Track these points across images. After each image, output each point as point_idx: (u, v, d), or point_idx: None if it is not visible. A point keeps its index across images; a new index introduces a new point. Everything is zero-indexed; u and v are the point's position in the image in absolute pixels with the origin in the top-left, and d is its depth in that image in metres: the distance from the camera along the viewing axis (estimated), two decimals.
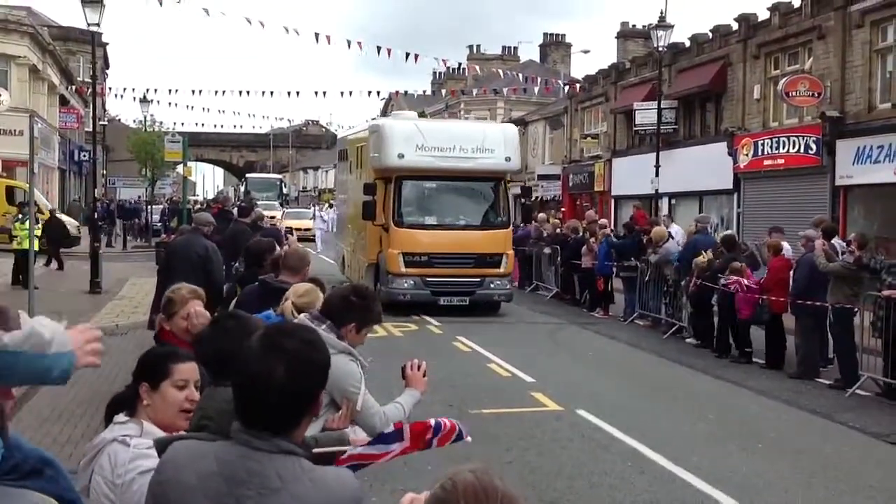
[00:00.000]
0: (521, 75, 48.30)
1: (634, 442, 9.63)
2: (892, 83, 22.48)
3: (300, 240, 35.21)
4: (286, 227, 32.36)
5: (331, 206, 47.05)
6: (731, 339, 15.38)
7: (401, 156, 19.28)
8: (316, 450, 2.67)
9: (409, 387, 4.65)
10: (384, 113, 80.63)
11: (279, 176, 77.06)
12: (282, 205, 59.89)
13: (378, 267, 20.07)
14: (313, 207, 60.57)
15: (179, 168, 36.81)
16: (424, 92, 58.04)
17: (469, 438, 3.96)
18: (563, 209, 38.10)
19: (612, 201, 36.71)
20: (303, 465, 2.51)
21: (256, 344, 2.60)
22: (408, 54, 34.42)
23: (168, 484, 2.57)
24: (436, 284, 19.47)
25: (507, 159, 20.08)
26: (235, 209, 20.75)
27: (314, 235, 41.93)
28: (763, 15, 27.73)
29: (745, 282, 14.60)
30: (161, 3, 26.28)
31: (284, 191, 69.77)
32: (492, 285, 19.92)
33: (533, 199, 46.68)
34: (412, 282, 19.40)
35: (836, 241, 14.86)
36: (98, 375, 11.78)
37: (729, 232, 20.49)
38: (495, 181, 20.50)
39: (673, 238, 18.80)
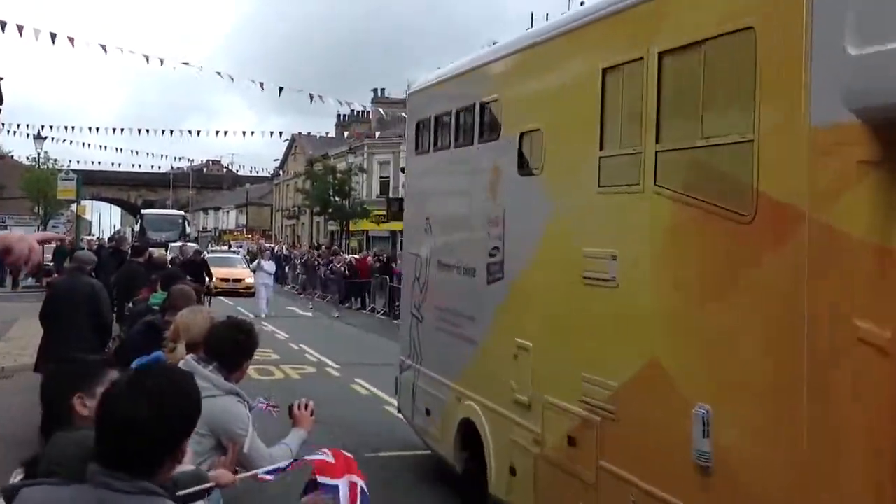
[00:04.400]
0: None
1: None
2: None
3: (227, 295, 30.67)
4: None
5: (268, 250, 40.71)
6: None
7: None
8: (180, 493, 2.63)
9: (296, 426, 4.63)
10: (287, 155, 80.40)
11: (181, 212, 67.20)
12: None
13: None
14: (244, 249, 53.49)
15: (73, 206, 35.90)
16: (328, 133, 58.02)
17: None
18: None
19: None
20: None
21: (123, 384, 2.55)
22: (311, 96, 34.53)
23: None
24: None
25: None
26: (129, 248, 20.27)
27: (254, 291, 31.65)
28: None
29: None
30: (53, 42, 25.75)
31: (188, 230, 61.20)
32: None
33: None
34: None
35: None
36: None
37: None
38: None
39: None
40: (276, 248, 51.04)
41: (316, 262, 40.93)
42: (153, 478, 2.46)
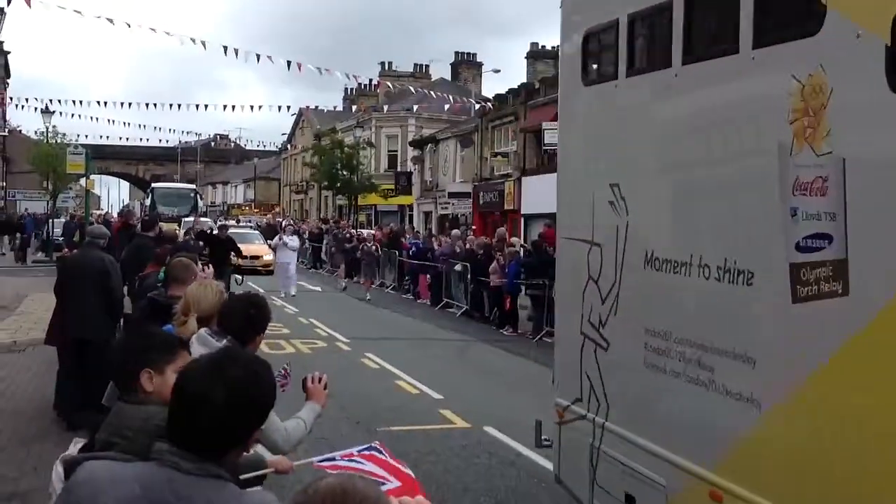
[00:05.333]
0: (432, 93, 48.64)
1: (541, 458, 9.70)
2: None
3: (245, 273, 26.16)
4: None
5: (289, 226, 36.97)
6: None
7: None
8: (242, 476, 2.62)
9: (310, 400, 4.60)
10: (294, 129, 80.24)
11: (192, 186, 64.28)
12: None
13: None
14: (253, 224, 49.41)
15: (83, 181, 35.88)
16: (336, 107, 57.86)
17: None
18: (473, 227, 38.34)
19: (522, 219, 37.09)
20: (231, 490, 2.44)
21: (204, 365, 2.53)
22: (319, 69, 34.40)
23: None
24: None
25: None
26: (139, 223, 20.23)
27: (272, 269, 30.64)
28: None
29: None
30: (64, 10, 25.64)
31: (200, 204, 57.95)
32: None
33: (444, 216, 46.97)
34: None
35: None
36: None
37: None
38: None
39: None
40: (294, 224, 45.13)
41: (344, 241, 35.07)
42: (220, 462, 2.45)
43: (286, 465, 4.51)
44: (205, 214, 59.30)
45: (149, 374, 3.33)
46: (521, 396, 13.71)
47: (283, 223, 42.78)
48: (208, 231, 24.69)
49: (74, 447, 3.38)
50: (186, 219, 37.56)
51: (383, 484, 4.25)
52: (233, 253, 22.50)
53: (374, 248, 31.74)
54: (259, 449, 4.31)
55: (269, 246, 32.58)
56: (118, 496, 2.39)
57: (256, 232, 39.73)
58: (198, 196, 57.77)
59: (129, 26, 27.77)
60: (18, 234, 40.91)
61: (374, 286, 29.22)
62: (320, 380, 4.66)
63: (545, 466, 9.43)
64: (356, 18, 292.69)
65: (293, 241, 28.48)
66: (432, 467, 9.27)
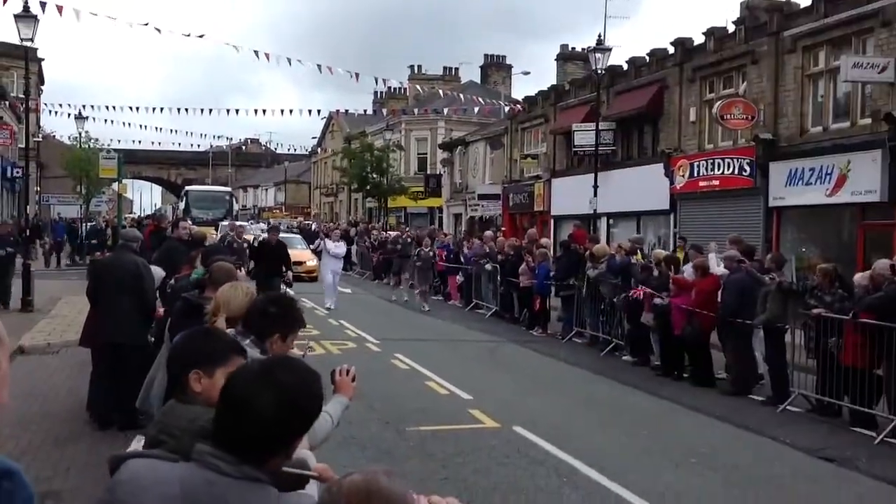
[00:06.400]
0: (461, 95, 48.62)
1: (570, 458, 9.67)
2: (823, 107, 23.02)
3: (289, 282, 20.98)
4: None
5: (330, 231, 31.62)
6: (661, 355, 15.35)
7: None
8: (285, 468, 2.61)
9: (338, 393, 4.53)
10: (324, 132, 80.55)
11: (227, 189, 61.66)
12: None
13: None
14: (306, 227, 46.55)
15: (115, 185, 36.22)
16: (366, 111, 57.90)
17: None
18: (503, 228, 38.28)
19: (552, 221, 36.99)
20: (270, 493, 2.43)
21: (254, 369, 2.53)
22: (349, 73, 34.52)
23: None
24: None
25: None
26: (170, 227, 20.37)
27: (317, 276, 28.71)
28: (699, 39, 28.24)
29: (645, 290, 15.54)
30: (96, 16, 25.93)
31: (235, 207, 55.67)
32: None
33: (475, 218, 46.94)
34: None
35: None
36: (29, 394, 11.58)
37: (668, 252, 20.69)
38: None
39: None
40: (331, 228, 38.21)
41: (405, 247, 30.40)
42: (262, 467, 2.44)
43: (329, 475, 4.39)
44: (236, 218, 54.51)
45: (198, 374, 3.33)
46: (550, 396, 13.70)
47: (328, 226, 37.68)
48: (258, 238, 23.22)
49: (137, 444, 3.41)
50: (223, 223, 36.46)
51: None
52: (284, 267, 20.20)
53: (431, 252, 26.95)
54: (305, 454, 4.26)
55: (312, 251, 30.98)
56: (160, 497, 2.39)
57: (298, 236, 37.67)
58: (233, 199, 56.14)
59: (160, 31, 28.05)
60: (47, 239, 41.28)
61: (428, 295, 25.94)
62: (347, 372, 4.58)
63: (574, 466, 9.42)
64: (389, 23, 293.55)
65: (337, 248, 25.24)
66: (461, 467, 9.26)
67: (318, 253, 26.94)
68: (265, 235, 22.64)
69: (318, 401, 2.55)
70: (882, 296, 11.38)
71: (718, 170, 25.99)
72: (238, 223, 32.28)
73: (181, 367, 3.41)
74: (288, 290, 18.01)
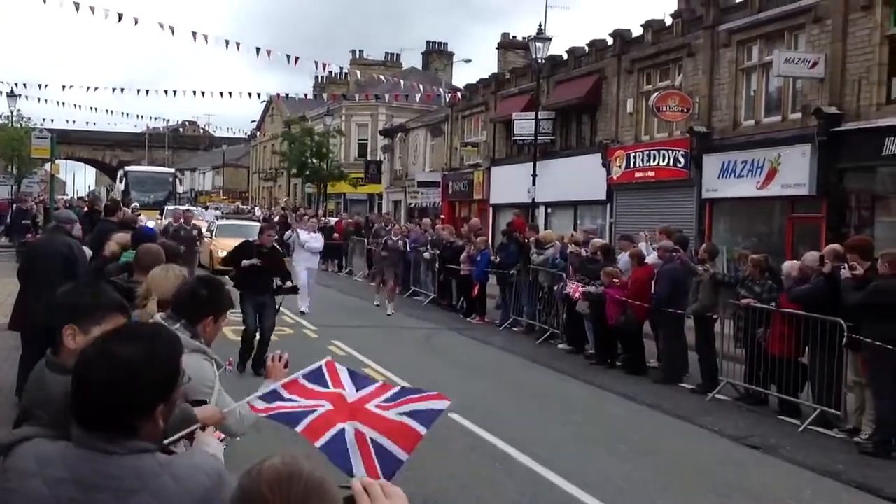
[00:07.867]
0: (402, 82, 48.55)
1: (504, 444, 9.80)
2: (755, 101, 23.48)
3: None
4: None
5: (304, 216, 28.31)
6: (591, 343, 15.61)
7: None
8: (166, 441, 2.61)
9: (268, 379, 4.44)
10: (264, 116, 79.77)
11: (171, 170, 57.62)
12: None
13: None
14: (219, 212, 44.24)
15: (47, 166, 35.49)
16: (306, 95, 57.53)
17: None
18: (442, 216, 38.39)
19: (491, 209, 37.19)
20: (160, 460, 2.41)
21: (96, 347, 2.47)
22: (288, 56, 34.28)
23: (16, 494, 2.41)
24: None
25: None
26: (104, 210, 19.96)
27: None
28: (637, 31, 28.59)
29: (583, 288, 15.53)
30: None
31: (179, 190, 52.56)
32: None
33: (412, 205, 46.96)
34: None
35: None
36: None
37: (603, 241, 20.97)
38: None
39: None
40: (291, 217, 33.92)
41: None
42: (136, 436, 2.42)
43: (216, 417, 4.10)
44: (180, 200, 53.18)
45: (72, 330, 3.19)
46: (485, 383, 13.82)
47: (300, 215, 31.23)
48: (213, 226, 22.27)
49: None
50: (167, 206, 34.67)
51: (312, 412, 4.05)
52: (278, 280, 14.23)
53: (400, 242, 23.58)
54: (185, 407, 4.09)
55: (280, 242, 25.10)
56: (48, 480, 2.38)
57: (257, 225, 33.32)
58: (176, 180, 53.62)
59: (94, 11, 27.46)
60: None
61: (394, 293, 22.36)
62: (280, 358, 4.54)
63: (507, 452, 9.55)
64: (332, 7, 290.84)
65: (314, 241, 20.88)
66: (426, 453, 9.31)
67: (287, 245, 21.14)
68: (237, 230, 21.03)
69: (166, 365, 2.49)
70: (809, 288, 11.66)
71: (654, 161, 26.38)
72: (186, 208, 31.00)
73: (56, 320, 3.27)
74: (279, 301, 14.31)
